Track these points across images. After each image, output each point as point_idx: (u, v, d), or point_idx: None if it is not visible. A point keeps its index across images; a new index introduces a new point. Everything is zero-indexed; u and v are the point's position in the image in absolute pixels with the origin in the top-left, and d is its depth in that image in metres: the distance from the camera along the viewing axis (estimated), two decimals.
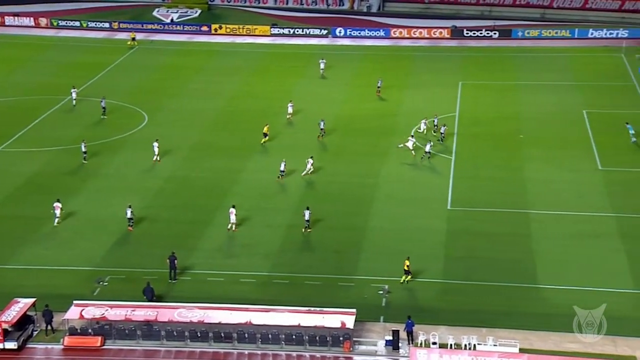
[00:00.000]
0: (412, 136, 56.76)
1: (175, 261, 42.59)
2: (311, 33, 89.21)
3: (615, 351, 36.30)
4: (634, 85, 69.96)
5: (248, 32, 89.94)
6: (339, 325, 37.02)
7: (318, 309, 38.11)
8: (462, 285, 41.88)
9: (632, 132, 57.90)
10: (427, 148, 55.73)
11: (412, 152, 55.82)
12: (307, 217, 46.88)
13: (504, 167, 55.58)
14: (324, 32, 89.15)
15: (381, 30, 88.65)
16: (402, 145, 56.18)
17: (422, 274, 42.60)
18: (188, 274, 43.38)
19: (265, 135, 58.99)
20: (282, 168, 53.39)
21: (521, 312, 39.77)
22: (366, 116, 63.43)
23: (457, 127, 61.69)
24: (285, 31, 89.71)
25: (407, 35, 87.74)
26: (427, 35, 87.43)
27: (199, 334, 37.65)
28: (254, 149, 58.98)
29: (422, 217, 48.88)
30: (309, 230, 46.99)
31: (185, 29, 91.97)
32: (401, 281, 41.52)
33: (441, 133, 58.90)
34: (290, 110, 64.16)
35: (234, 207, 47.54)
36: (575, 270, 42.90)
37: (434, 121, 59.95)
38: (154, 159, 56.30)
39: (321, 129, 59.91)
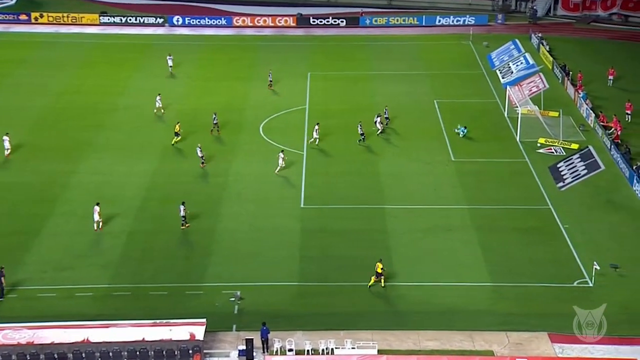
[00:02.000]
0: (283, 151, 54.71)
1: (2, 278, 40.70)
2: (146, 22, 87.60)
3: (473, 346, 37.88)
4: (483, 73, 73.53)
5: (74, 21, 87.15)
6: (187, 337, 36.67)
7: (164, 321, 37.63)
8: (318, 287, 42.50)
9: (460, 130, 60.27)
10: (360, 130, 58.34)
11: (282, 164, 53.85)
12: (182, 212, 47.01)
13: (357, 161, 56.87)
14: (160, 20, 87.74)
15: (222, 19, 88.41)
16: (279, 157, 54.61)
17: (276, 277, 42.95)
18: (15, 290, 41.49)
19: (176, 134, 57.61)
20: (199, 154, 54.21)
21: (379, 311, 40.83)
22: (211, 111, 62.91)
23: (307, 120, 62.53)
24: (117, 20, 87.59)
25: (251, 24, 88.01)
26: (271, 24, 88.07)
27: (28, 356, 36.12)
28: (86, 149, 57.27)
29: (275, 216, 49.22)
30: (187, 225, 47.10)
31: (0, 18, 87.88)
32: (382, 285, 41.99)
33: (386, 118, 61.16)
34: (158, 104, 63.05)
35: (98, 204, 46.71)
36: (431, 266, 44.51)
37: (384, 114, 60.92)
38: (6, 154, 54.87)
39: (214, 124, 59.60)
